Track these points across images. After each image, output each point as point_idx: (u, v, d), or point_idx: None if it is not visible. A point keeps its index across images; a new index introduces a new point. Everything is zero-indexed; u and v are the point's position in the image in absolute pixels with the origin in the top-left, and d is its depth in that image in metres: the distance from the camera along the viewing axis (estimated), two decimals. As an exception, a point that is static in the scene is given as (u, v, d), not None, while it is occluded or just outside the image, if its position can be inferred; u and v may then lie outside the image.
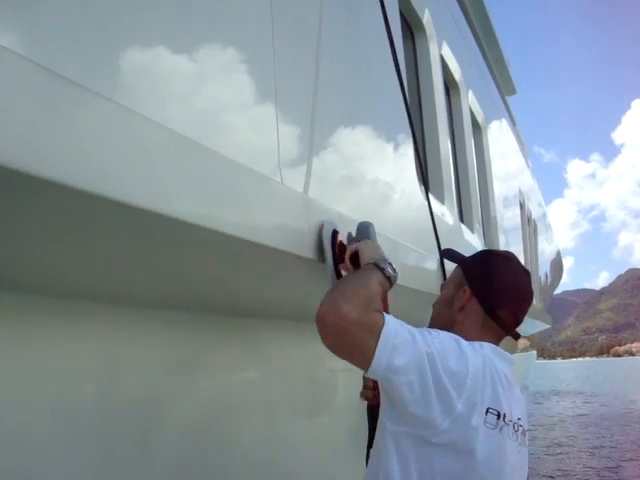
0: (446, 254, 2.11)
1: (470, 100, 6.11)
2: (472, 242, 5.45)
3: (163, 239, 1.45)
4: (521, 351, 12.60)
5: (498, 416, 1.62)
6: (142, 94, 1.40)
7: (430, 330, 1.63)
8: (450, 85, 5.58)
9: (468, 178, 5.82)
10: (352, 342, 1.52)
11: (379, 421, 1.68)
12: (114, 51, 1.31)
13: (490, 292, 1.82)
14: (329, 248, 1.94)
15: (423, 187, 2.82)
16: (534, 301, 8.89)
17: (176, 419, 1.99)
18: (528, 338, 13.41)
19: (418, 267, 2.76)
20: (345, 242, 2.00)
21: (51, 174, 1.02)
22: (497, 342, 1.82)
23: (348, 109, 2.65)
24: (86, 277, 1.55)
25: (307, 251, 1.82)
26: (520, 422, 1.73)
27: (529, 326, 10.82)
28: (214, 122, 1.70)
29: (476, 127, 6.73)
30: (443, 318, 1.85)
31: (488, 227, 6.80)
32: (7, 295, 1.43)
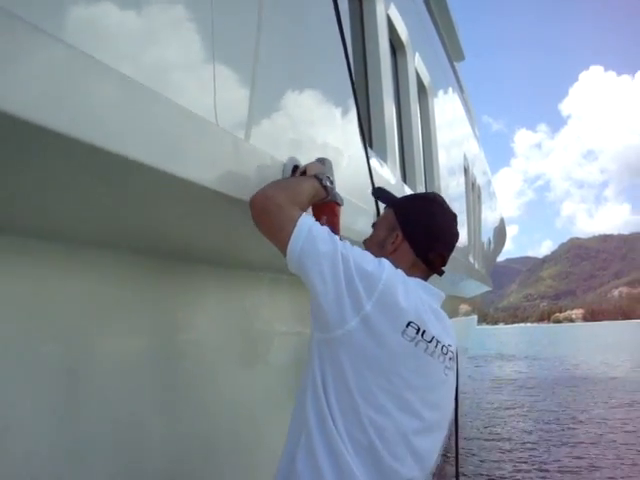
0: (377, 193, 2.17)
1: (417, 62, 6.15)
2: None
3: (103, 175, 1.47)
4: (462, 315, 12.90)
5: (417, 331, 1.70)
6: (83, 31, 1.40)
7: (350, 246, 1.73)
8: (396, 46, 5.60)
9: (412, 140, 5.88)
10: (273, 223, 1.71)
11: (310, 330, 1.78)
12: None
13: (422, 237, 1.92)
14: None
15: (363, 142, 2.85)
16: (477, 265, 9.08)
17: (105, 357, 2.01)
18: (469, 303, 13.72)
19: (356, 221, 2.82)
20: None
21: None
22: (425, 279, 1.93)
23: (290, 66, 2.66)
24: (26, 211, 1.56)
25: (241, 193, 1.84)
26: (449, 349, 1.83)
27: (471, 288, 11.09)
28: (156, 66, 1.70)
29: (422, 90, 6.79)
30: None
31: (431, 188, 6.89)
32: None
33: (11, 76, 1.10)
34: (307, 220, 1.69)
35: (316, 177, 1.91)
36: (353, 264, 1.64)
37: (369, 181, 2.71)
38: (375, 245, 1.94)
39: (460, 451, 10.70)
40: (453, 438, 2.67)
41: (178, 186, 1.65)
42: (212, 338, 2.53)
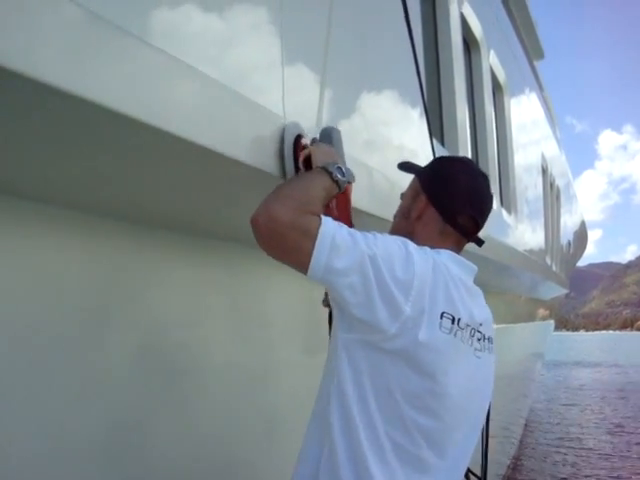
0: (402, 166, 1.96)
1: (491, 60, 6.09)
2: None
3: (169, 158, 1.58)
4: (539, 319, 12.63)
5: (453, 320, 1.58)
6: (154, 25, 1.50)
7: (375, 233, 1.56)
8: (470, 43, 5.58)
9: (486, 138, 5.83)
10: (287, 245, 1.47)
11: (332, 332, 1.65)
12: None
13: (446, 198, 1.76)
14: (290, 154, 1.87)
15: (429, 138, 2.87)
16: (555, 268, 8.90)
17: (131, 328, 2.06)
18: (546, 307, 13.42)
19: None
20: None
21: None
22: (458, 249, 1.78)
23: (360, 65, 2.70)
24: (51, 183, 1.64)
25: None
26: (482, 328, 1.70)
27: (548, 290, 10.85)
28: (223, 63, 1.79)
29: (497, 88, 6.72)
30: (401, 229, 1.78)
31: (506, 187, 6.81)
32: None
33: (109, 77, 1.23)
34: (327, 230, 1.46)
35: (325, 169, 1.66)
36: (384, 267, 1.48)
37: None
38: (401, 215, 1.82)
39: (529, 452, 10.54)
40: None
41: (247, 173, 1.75)
42: (274, 325, 2.61)
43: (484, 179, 1.85)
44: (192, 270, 2.20)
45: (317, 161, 1.74)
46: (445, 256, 1.68)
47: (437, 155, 2.93)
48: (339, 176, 1.66)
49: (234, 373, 2.39)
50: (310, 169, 1.76)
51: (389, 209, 1.95)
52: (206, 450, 2.23)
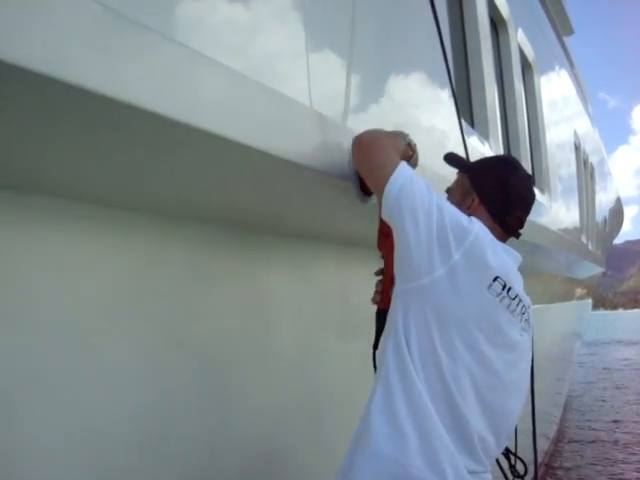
0: (450, 159, 2.09)
1: (519, 38, 6.01)
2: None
3: (201, 153, 1.60)
4: (577, 299, 12.49)
5: (504, 287, 1.71)
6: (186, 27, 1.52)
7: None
8: (497, 22, 5.51)
9: (516, 117, 5.77)
10: (377, 161, 1.79)
11: (392, 294, 1.80)
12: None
13: (499, 201, 1.88)
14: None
15: (458, 120, 2.85)
16: (591, 246, 8.80)
17: (205, 328, 2.14)
18: (584, 286, 13.25)
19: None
20: None
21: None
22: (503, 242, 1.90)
23: (386, 48, 2.70)
24: (112, 187, 1.69)
25: (326, 168, 1.93)
26: (527, 310, 1.82)
27: (584, 269, 10.72)
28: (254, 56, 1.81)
29: (526, 66, 6.63)
30: None
31: (539, 167, 6.74)
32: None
33: (131, 72, 1.24)
34: (407, 167, 1.75)
35: (401, 134, 1.97)
36: (447, 214, 1.67)
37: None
38: None
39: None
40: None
41: (277, 165, 1.77)
42: (308, 313, 2.64)
43: (530, 180, 2.01)
44: (228, 261, 2.23)
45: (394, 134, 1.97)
46: (497, 243, 1.80)
47: (467, 138, 2.92)
48: (412, 141, 2.00)
49: (275, 362, 2.42)
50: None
51: None
52: (243, 439, 2.26)
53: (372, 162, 1.81)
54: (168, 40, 1.36)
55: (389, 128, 2.03)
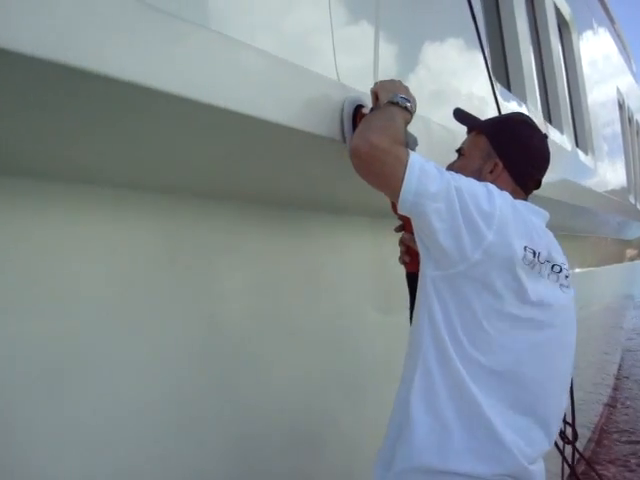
0: (459, 116, 2.04)
1: (555, -5, 5.86)
2: (561, 143, 5.33)
3: (207, 128, 1.59)
4: (628, 260, 12.25)
5: (534, 254, 1.68)
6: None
7: (456, 172, 1.71)
8: (531, -20, 5.37)
9: (555, 78, 5.63)
10: (382, 170, 1.64)
11: (420, 275, 1.75)
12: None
13: (524, 165, 1.86)
14: (349, 122, 1.91)
15: (492, 88, 2.79)
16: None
17: (239, 305, 2.17)
18: (635, 247, 12.96)
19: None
20: None
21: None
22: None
23: (413, 15, 2.66)
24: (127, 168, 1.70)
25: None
26: (563, 267, 1.78)
27: (633, 229, 10.49)
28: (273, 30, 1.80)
29: (564, 25, 6.46)
30: None
31: (581, 127, 6.59)
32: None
33: (168, 61, 1.28)
34: (416, 159, 1.61)
35: (391, 103, 1.78)
36: (468, 197, 1.60)
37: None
38: (470, 174, 1.78)
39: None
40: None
41: (307, 141, 1.78)
42: (344, 287, 2.64)
43: (546, 139, 1.95)
44: (259, 238, 2.23)
45: (382, 99, 1.83)
46: (520, 204, 1.77)
47: (501, 101, 2.87)
48: (407, 103, 1.79)
49: (312, 338, 2.43)
50: None
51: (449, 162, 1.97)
52: (278, 417, 2.28)
53: (377, 173, 1.67)
54: (195, 25, 1.39)
55: (422, 98, 1.98)
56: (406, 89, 1.87)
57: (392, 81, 1.91)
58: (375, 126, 1.70)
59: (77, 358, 1.63)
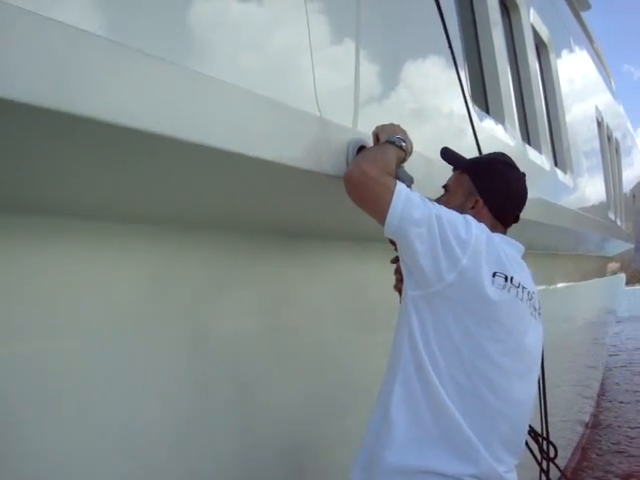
0: (446, 155, 2.20)
1: (532, 18, 5.94)
2: (539, 163, 5.39)
3: (205, 166, 1.64)
4: (609, 274, 12.35)
5: (506, 279, 1.82)
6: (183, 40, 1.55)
7: (439, 204, 1.88)
8: (508, 4, 5.45)
9: (533, 99, 5.71)
10: (371, 195, 1.83)
11: (403, 294, 1.91)
12: None
13: (502, 203, 2.03)
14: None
15: (466, 107, 2.84)
16: (621, 223, 8.69)
17: (226, 330, 2.19)
18: (615, 261, 13.09)
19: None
20: None
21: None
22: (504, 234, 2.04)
23: (391, 36, 2.70)
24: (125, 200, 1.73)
25: (337, 169, 1.99)
26: (534, 295, 1.94)
27: (613, 246, 10.59)
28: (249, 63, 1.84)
29: (541, 46, 6.55)
30: None
31: (560, 146, 6.67)
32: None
33: (131, 96, 1.30)
34: (402, 188, 1.80)
35: (389, 142, 1.97)
36: (446, 225, 1.76)
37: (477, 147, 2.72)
38: (453, 209, 1.94)
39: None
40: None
41: (284, 172, 1.84)
42: (326, 310, 2.67)
43: (524, 177, 2.12)
44: (246, 265, 2.26)
45: (382, 138, 2.02)
46: (497, 237, 1.93)
47: (480, 123, 2.92)
48: (403, 143, 1.98)
49: (296, 361, 2.46)
50: None
51: (428, 189, 2.07)
52: (266, 438, 2.30)
53: (366, 198, 1.86)
54: (169, 63, 1.41)
55: (403, 123, 2.07)
56: (404, 132, 2.05)
57: (392, 125, 2.07)
58: (368, 157, 1.94)
59: (74, 384, 1.67)
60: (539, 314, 1.98)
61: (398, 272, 2.11)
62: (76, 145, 1.32)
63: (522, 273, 1.93)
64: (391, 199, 1.77)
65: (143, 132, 1.31)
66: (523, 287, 1.88)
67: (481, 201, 2.01)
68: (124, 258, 1.81)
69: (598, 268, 10.51)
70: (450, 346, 1.78)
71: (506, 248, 1.92)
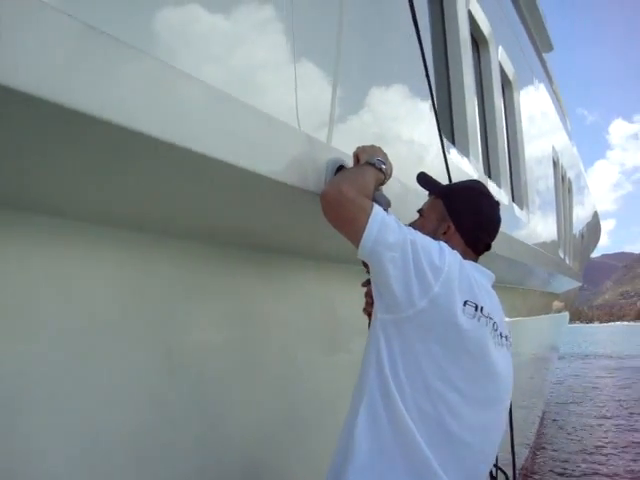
0: (422, 180, 2.20)
1: (500, 56, 6.10)
2: (498, 197, 5.49)
3: (184, 173, 1.62)
4: (554, 312, 12.60)
5: (476, 308, 1.81)
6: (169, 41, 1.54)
7: (413, 229, 1.86)
8: (479, 40, 5.58)
9: (496, 134, 5.85)
10: (347, 216, 1.80)
11: (373, 317, 1.89)
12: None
13: (473, 229, 2.03)
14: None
15: (439, 137, 2.89)
16: (568, 260, 8.86)
17: (192, 343, 2.16)
18: (561, 299, 13.38)
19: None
20: None
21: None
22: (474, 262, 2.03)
23: (369, 63, 2.74)
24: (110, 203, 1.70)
25: (310, 186, 1.98)
26: (500, 326, 1.92)
27: (561, 283, 10.84)
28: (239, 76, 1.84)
29: (507, 83, 6.73)
30: None
31: (518, 182, 6.82)
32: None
33: (111, 90, 1.25)
34: (378, 211, 1.78)
35: (369, 163, 1.97)
36: (420, 251, 1.75)
37: (447, 176, 2.76)
38: (426, 233, 1.93)
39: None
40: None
41: (260, 183, 1.80)
42: (293, 327, 2.66)
43: (498, 206, 2.13)
44: (214, 277, 2.24)
45: (362, 160, 2.01)
46: (468, 264, 1.91)
47: (447, 153, 2.97)
48: (383, 166, 1.98)
49: (261, 376, 2.43)
50: None
51: (403, 212, 2.06)
52: (229, 453, 2.27)
53: (342, 218, 1.83)
54: (152, 58, 1.38)
55: (373, 143, 2.08)
56: (384, 155, 2.04)
57: (372, 146, 2.07)
58: (347, 178, 1.90)
59: (40, 389, 1.62)
60: (509, 343, 1.98)
61: (369, 295, 2.09)
62: (58, 140, 1.28)
63: (491, 302, 1.92)
64: (367, 221, 1.74)
65: (129, 131, 1.28)
66: (490, 317, 1.86)
67: (453, 227, 2.01)
68: (88, 258, 1.76)
69: (545, 304, 10.72)
70: (417, 372, 1.75)
71: (477, 276, 1.91)
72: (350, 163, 2.08)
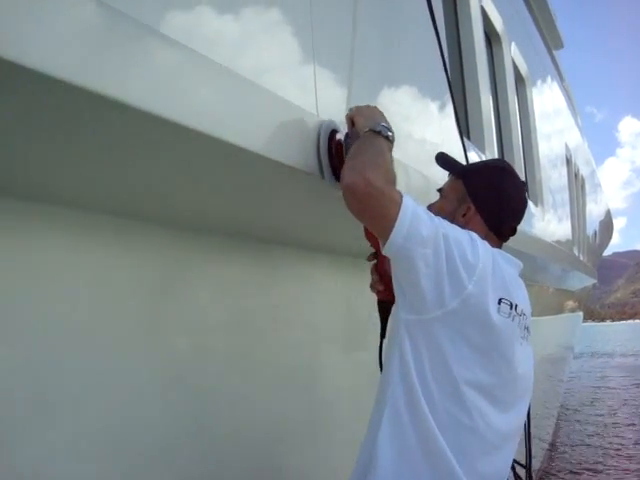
0: (442, 160, 2.03)
1: (513, 53, 6.08)
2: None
3: (217, 162, 1.61)
4: (568, 311, 12.52)
5: (511, 306, 1.68)
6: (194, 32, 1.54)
7: (443, 219, 1.68)
8: (492, 37, 5.57)
9: (511, 130, 5.83)
10: (377, 209, 1.57)
11: (394, 316, 1.77)
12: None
13: (495, 210, 1.84)
14: (325, 147, 1.90)
15: (460, 136, 2.88)
16: (582, 258, 8.80)
17: (180, 336, 2.09)
18: (575, 298, 13.29)
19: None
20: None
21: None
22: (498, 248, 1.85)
23: (386, 61, 2.74)
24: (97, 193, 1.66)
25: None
26: (527, 319, 1.79)
27: (576, 280, 10.77)
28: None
29: (520, 80, 6.71)
30: None
31: (532, 179, 6.79)
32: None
33: (131, 75, 1.23)
34: (409, 202, 1.57)
35: (373, 131, 1.74)
36: (454, 246, 1.58)
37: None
38: (445, 215, 1.76)
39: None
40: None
41: (281, 173, 1.78)
42: (313, 322, 2.65)
43: (524, 187, 1.94)
44: (232, 272, 2.22)
45: (361, 126, 1.79)
46: (496, 252, 1.76)
47: (467, 149, 2.95)
48: (389, 133, 1.75)
49: (278, 374, 2.42)
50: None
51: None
52: (252, 453, 2.25)
53: (371, 212, 1.60)
54: (171, 42, 1.36)
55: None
56: (384, 117, 1.83)
57: (368, 107, 1.87)
58: (369, 162, 1.62)
59: (54, 384, 1.60)
60: (529, 341, 1.83)
61: (375, 272, 1.97)
62: (47, 115, 1.22)
63: (523, 295, 1.80)
64: (397, 214, 1.54)
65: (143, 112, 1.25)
66: (523, 314, 1.74)
67: (473, 208, 1.83)
68: (71, 247, 1.70)
69: (559, 303, 10.66)
70: (446, 377, 1.60)
71: (508, 268, 1.76)
72: (343, 128, 1.93)
